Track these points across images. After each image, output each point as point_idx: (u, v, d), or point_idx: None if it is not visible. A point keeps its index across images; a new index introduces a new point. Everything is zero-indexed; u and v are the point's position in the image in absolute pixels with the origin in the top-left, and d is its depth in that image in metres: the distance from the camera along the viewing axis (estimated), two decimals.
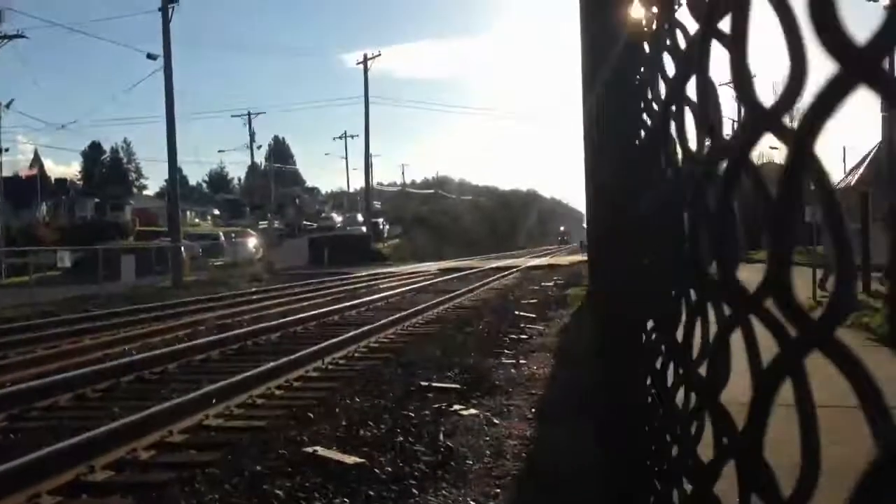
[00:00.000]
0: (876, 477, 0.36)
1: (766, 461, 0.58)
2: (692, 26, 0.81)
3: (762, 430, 0.57)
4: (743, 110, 0.55)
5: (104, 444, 5.31)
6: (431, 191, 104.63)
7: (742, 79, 0.53)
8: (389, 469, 4.90)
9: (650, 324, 1.15)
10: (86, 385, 7.73)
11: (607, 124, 1.13)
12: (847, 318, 0.40)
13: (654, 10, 1.11)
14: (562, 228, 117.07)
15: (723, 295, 0.67)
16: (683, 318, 0.91)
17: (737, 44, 0.53)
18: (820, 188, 0.36)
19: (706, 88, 0.76)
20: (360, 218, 66.76)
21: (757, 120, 0.41)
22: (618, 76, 1.14)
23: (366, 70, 57.15)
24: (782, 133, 0.38)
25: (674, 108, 0.95)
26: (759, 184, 0.46)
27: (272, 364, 8.21)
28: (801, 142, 0.34)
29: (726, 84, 0.69)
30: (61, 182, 77.81)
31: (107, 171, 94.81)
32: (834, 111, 0.33)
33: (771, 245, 0.43)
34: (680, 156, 0.97)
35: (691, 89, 0.83)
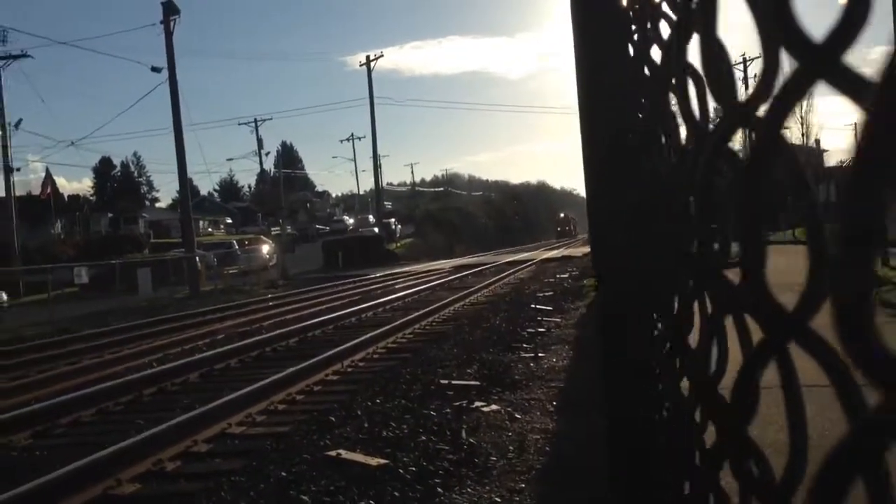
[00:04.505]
0: (844, 454, 0.34)
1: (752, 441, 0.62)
2: None
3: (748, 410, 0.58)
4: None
5: (129, 457, 5.35)
6: (441, 188, 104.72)
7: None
8: (413, 469, 4.91)
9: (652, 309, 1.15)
10: (108, 399, 7.79)
11: (599, 105, 1.09)
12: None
13: None
14: (561, 215, 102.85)
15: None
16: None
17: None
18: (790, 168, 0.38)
19: (712, 50, 0.66)
20: (371, 219, 66.88)
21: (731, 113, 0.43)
22: (609, 47, 1.09)
23: (369, 71, 57.29)
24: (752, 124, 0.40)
25: (673, 79, 0.91)
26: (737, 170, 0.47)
27: (291, 370, 8.23)
28: (769, 130, 0.36)
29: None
30: (74, 198, 78.28)
31: (118, 185, 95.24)
32: (796, 104, 0.36)
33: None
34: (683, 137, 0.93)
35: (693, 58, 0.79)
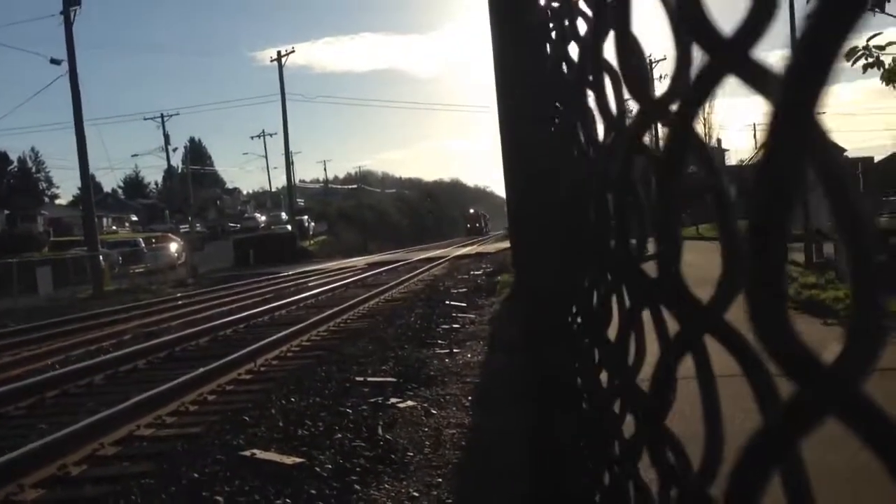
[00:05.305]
0: (758, 447, 0.32)
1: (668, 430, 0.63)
2: None
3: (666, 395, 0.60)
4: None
5: (32, 463, 5.14)
6: (355, 186, 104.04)
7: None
8: (330, 466, 4.89)
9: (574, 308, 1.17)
10: (7, 404, 7.45)
11: (520, 101, 1.10)
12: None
13: None
14: (471, 211, 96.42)
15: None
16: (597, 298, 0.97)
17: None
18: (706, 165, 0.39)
19: (627, 43, 0.66)
20: (284, 216, 65.90)
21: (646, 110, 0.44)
22: (527, 44, 1.10)
23: (280, 67, 56.41)
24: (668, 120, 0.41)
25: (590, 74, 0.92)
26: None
27: (202, 369, 8.06)
28: (681, 124, 0.37)
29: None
30: None
31: (15, 181, 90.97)
32: (707, 98, 0.37)
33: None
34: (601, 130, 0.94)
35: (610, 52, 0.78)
